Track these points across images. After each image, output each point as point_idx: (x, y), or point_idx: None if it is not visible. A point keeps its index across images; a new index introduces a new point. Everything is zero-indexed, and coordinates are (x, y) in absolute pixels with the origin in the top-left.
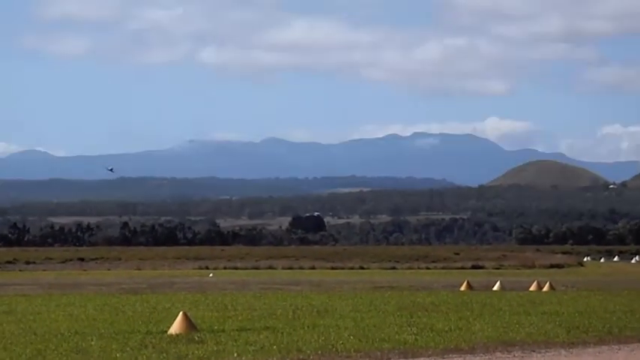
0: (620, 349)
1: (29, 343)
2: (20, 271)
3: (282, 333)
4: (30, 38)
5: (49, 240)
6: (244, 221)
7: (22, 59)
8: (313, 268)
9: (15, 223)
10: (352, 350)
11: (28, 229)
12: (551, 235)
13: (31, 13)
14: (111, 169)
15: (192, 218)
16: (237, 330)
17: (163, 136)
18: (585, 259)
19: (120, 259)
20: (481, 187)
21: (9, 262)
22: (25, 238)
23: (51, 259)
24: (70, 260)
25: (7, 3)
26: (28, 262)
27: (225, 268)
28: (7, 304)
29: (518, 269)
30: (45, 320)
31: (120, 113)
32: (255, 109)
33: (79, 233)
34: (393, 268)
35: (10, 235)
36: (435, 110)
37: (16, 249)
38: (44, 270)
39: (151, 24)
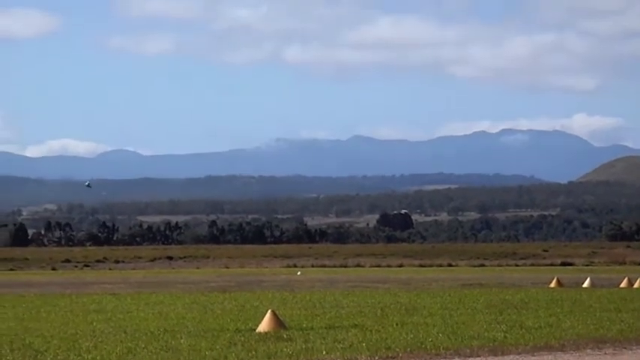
0: None
1: (119, 342)
2: (110, 269)
3: (370, 331)
4: (117, 38)
5: (138, 239)
6: (332, 219)
7: (109, 59)
8: (401, 265)
9: (104, 222)
10: (441, 348)
11: (118, 228)
12: None
13: (118, 12)
14: (88, 185)
15: (280, 216)
16: (325, 328)
17: (251, 134)
18: None
19: (208, 258)
20: (570, 183)
21: (99, 261)
22: (115, 237)
23: (140, 257)
24: (159, 259)
25: (93, 3)
26: (117, 261)
27: (312, 266)
28: (97, 303)
29: (608, 266)
30: (134, 318)
31: (207, 112)
32: (341, 106)
33: (167, 232)
34: (482, 265)
35: (99, 234)
36: (523, 106)
37: (105, 248)
38: (133, 268)
39: (235, 23)
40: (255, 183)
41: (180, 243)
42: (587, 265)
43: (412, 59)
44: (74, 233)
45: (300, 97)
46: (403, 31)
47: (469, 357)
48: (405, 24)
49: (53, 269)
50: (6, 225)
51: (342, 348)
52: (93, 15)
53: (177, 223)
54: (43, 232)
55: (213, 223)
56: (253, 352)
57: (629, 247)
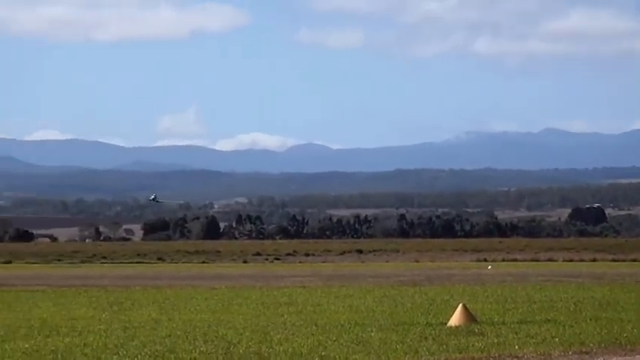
0: None
1: (310, 334)
2: (300, 262)
3: (563, 326)
4: (305, 32)
5: (328, 232)
6: (523, 213)
7: (298, 53)
8: (594, 260)
9: (294, 216)
10: (636, 344)
11: (307, 221)
12: None
13: (305, 7)
14: (154, 199)
15: (470, 210)
16: (517, 322)
17: (440, 127)
18: None
19: (398, 252)
20: None
21: (289, 254)
22: (305, 231)
23: (329, 251)
24: (349, 252)
25: None
26: (307, 254)
27: (503, 260)
28: (288, 295)
29: None
30: (325, 311)
31: (396, 105)
32: (531, 99)
33: (356, 225)
34: None
35: (289, 228)
36: None
37: (295, 241)
38: (323, 262)
39: (425, 15)
40: (445, 176)
41: (369, 236)
42: None
43: (604, 51)
44: (264, 226)
45: (489, 89)
46: (595, 22)
47: None
48: (598, 15)
49: (244, 262)
50: (198, 218)
51: (534, 343)
52: (281, 9)
53: (366, 216)
54: (234, 224)
55: (403, 216)
56: (444, 346)
57: None
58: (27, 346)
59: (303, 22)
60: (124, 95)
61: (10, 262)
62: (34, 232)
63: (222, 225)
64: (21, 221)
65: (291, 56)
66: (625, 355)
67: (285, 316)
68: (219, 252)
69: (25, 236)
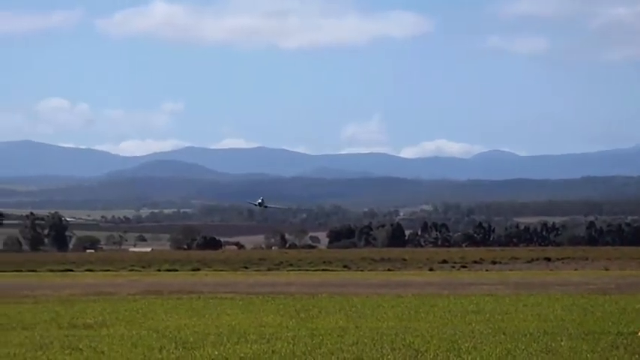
0: None
1: (498, 343)
2: (487, 270)
3: None
4: (490, 38)
5: (514, 240)
6: None
7: (482, 59)
8: None
9: (480, 223)
10: None
11: (494, 229)
12: None
13: (492, 12)
14: (260, 204)
15: None
16: None
17: (629, 133)
18: None
19: (586, 259)
20: None
21: (476, 262)
22: (491, 238)
23: (517, 258)
24: (536, 260)
25: (466, 3)
26: (494, 262)
27: None
28: (476, 304)
29: None
30: (513, 320)
31: (583, 111)
32: None
33: (544, 233)
34: None
35: (475, 235)
36: None
37: (482, 249)
38: (510, 269)
39: (612, 20)
40: (634, 183)
41: (557, 244)
42: None
43: None
44: (450, 234)
45: None
46: None
47: None
48: None
49: (430, 270)
50: (383, 225)
51: None
52: (466, 16)
53: (554, 224)
54: (419, 232)
55: (591, 224)
56: (636, 356)
57: None
58: (216, 353)
59: (487, 29)
60: (309, 103)
61: (198, 270)
62: (221, 239)
63: (407, 232)
64: (208, 229)
65: (475, 63)
66: None
67: (473, 324)
68: (404, 260)
69: (212, 244)
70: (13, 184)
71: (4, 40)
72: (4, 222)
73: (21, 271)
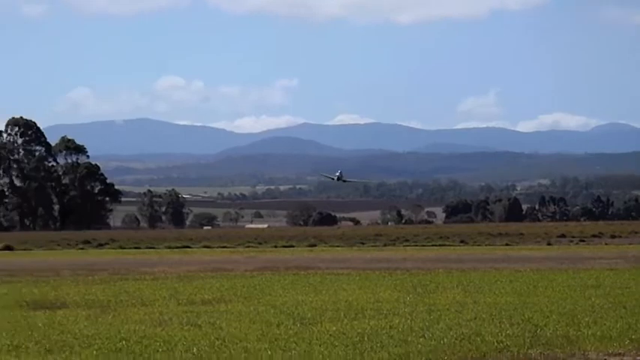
0: None
1: (619, 317)
2: (605, 244)
3: None
4: (609, 9)
5: (633, 213)
6: None
7: (600, 31)
8: None
9: (599, 197)
10: None
11: (612, 202)
12: None
13: None
14: (339, 178)
15: None
16: None
17: None
18: None
19: None
20: None
21: (594, 236)
22: (609, 212)
23: (636, 232)
24: None
25: None
26: (613, 236)
27: None
28: (595, 278)
29: None
30: (634, 294)
31: None
32: None
33: None
34: None
35: (594, 209)
36: None
37: (601, 222)
38: (630, 243)
39: None
40: None
41: None
42: None
43: None
44: (568, 208)
45: None
46: None
47: None
48: None
49: (548, 244)
50: (500, 200)
51: None
52: None
53: None
54: (536, 206)
55: None
56: None
57: None
58: (334, 328)
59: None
60: (423, 78)
61: (314, 246)
62: (337, 215)
63: (524, 207)
64: (324, 205)
65: (592, 34)
66: None
67: (593, 298)
68: (522, 234)
69: (328, 220)
70: (131, 161)
71: (120, 20)
72: (123, 200)
73: (139, 248)
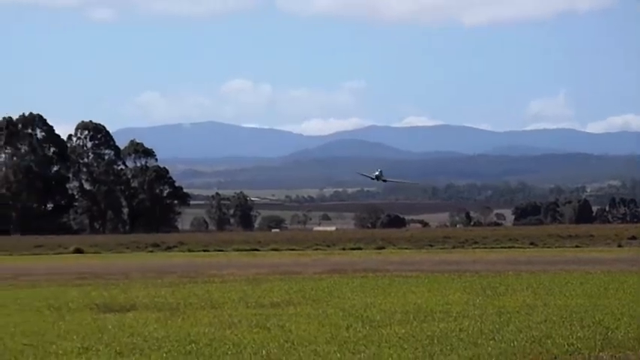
0: None
1: None
2: None
3: None
4: None
5: None
6: None
7: None
8: None
9: None
10: None
11: None
12: None
13: None
14: (377, 177)
15: None
16: None
17: None
18: None
19: None
20: None
21: None
22: None
23: None
24: None
25: None
26: None
27: None
28: None
29: None
30: None
31: None
32: None
33: None
34: None
35: None
36: None
37: None
38: None
39: None
40: None
41: None
42: None
43: None
44: (639, 209)
45: None
46: None
47: None
48: None
49: (619, 246)
50: (570, 202)
51: None
52: None
53: None
54: (607, 208)
55: None
56: None
57: None
58: (403, 331)
59: None
60: (492, 79)
61: (382, 248)
62: (406, 217)
63: (594, 208)
64: (392, 207)
65: None
66: None
67: None
68: (592, 236)
69: (396, 222)
70: (199, 165)
71: (188, 22)
72: (191, 203)
73: (208, 250)
